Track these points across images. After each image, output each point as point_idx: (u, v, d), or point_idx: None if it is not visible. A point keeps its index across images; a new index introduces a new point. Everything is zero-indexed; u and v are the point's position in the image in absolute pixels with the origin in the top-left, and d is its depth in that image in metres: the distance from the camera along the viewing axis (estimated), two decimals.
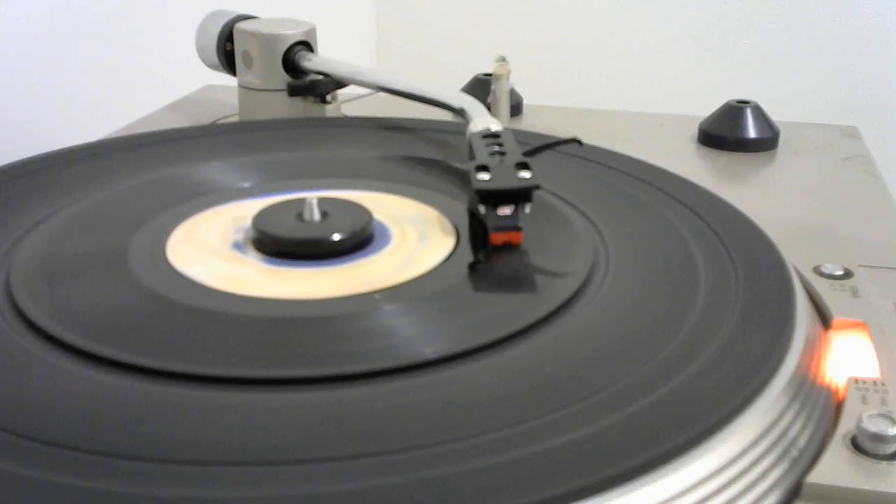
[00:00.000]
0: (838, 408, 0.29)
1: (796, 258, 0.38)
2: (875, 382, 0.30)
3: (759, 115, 0.59)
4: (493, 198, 0.36)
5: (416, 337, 0.31)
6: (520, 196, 0.36)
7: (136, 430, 0.25)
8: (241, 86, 0.60)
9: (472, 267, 0.36)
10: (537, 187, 0.36)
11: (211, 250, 0.37)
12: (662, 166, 0.46)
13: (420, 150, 0.49)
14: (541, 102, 0.67)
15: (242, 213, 0.40)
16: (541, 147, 0.42)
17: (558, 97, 0.73)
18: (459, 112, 0.49)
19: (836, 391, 0.31)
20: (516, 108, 0.64)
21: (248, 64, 0.58)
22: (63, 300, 0.33)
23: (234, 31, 0.59)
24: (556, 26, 1.23)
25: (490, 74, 0.60)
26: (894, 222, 0.47)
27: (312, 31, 0.59)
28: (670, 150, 0.59)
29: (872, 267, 0.40)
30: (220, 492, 0.23)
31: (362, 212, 0.38)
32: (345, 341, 0.30)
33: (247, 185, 0.45)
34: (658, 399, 0.27)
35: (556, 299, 0.32)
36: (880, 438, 0.26)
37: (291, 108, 0.58)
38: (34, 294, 0.33)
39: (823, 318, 0.35)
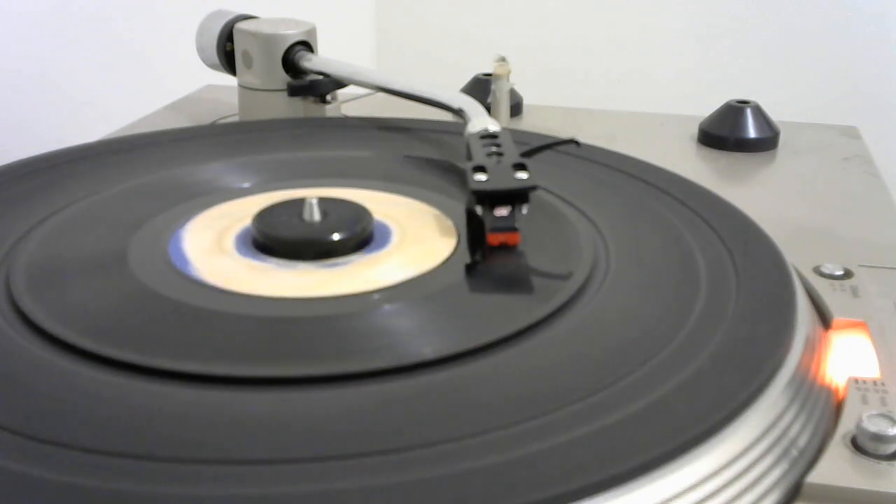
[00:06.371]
0: (838, 408, 0.30)
1: (796, 258, 0.38)
2: (875, 382, 0.30)
3: (759, 115, 0.59)
4: (490, 198, 0.36)
5: (416, 337, 0.31)
6: (516, 197, 0.36)
7: (135, 429, 0.25)
8: (241, 86, 0.60)
9: (471, 267, 0.36)
10: (534, 188, 0.36)
11: (211, 250, 0.37)
12: (662, 166, 0.47)
13: (419, 150, 0.49)
14: (541, 102, 0.67)
15: (242, 212, 0.40)
16: (538, 148, 0.42)
17: (558, 97, 0.73)
18: (458, 112, 0.49)
19: (836, 391, 0.31)
20: (516, 108, 0.64)
21: (248, 64, 0.58)
22: (63, 300, 0.33)
23: (234, 30, 0.59)
24: (556, 26, 1.23)
25: (490, 74, 0.60)
26: (894, 222, 0.47)
27: (312, 31, 0.59)
28: (670, 150, 0.59)
29: (872, 267, 0.40)
30: (221, 491, 0.23)
31: (362, 212, 0.38)
32: (345, 341, 0.30)
33: (247, 185, 0.45)
34: (658, 399, 0.27)
35: (555, 299, 0.32)
36: (880, 438, 0.26)
37: (291, 108, 0.58)
38: (34, 294, 0.33)
39: (823, 318, 0.35)
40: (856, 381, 0.30)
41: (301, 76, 0.58)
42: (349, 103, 0.64)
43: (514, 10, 1.23)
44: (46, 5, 0.68)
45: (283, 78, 0.57)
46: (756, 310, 0.32)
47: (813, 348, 0.31)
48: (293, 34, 0.57)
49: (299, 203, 0.38)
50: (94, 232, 0.39)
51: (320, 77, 0.57)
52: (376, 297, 0.33)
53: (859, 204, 0.50)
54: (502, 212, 0.36)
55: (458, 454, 0.24)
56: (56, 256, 0.36)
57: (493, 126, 0.44)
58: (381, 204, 0.41)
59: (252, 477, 0.23)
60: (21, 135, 0.66)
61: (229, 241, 0.37)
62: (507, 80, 0.58)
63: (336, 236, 0.36)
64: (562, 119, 0.65)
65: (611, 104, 0.70)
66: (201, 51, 0.61)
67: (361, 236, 0.37)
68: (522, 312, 0.31)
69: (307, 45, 0.58)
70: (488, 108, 0.53)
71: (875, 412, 0.28)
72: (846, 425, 0.28)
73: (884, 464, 0.26)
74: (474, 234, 0.37)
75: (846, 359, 0.32)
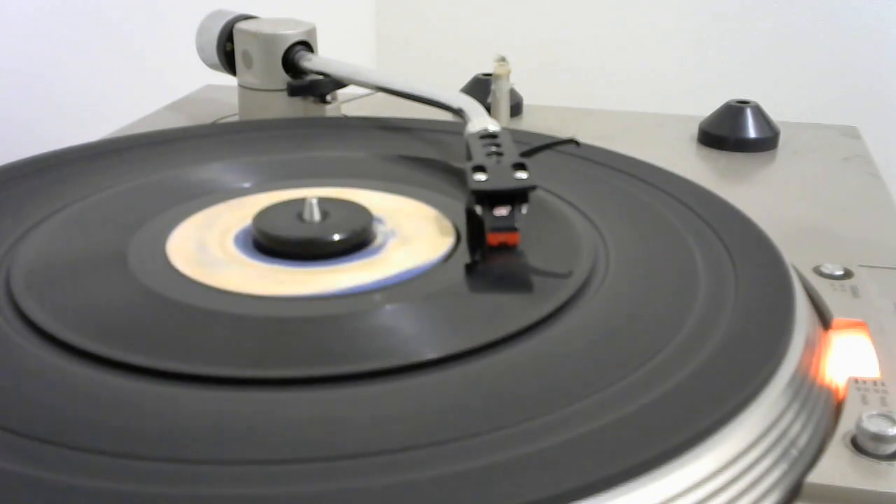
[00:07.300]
0: (838, 408, 0.29)
1: (796, 258, 0.38)
2: (875, 382, 0.30)
3: (759, 115, 0.59)
4: (490, 198, 0.36)
5: (416, 337, 0.31)
6: (516, 197, 0.36)
7: (135, 429, 0.25)
8: (241, 86, 0.60)
9: (471, 267, 0.36)
10: (533, 188, 0.36)
11: (211, 250, 0.37)
12: (662, 166, 0.47)
13: (419, 150, 0.49)
14: (541, 102, 0.67)
15: (242, 212, 0.40)
16: (538, 148, 0.42)
17: (558, 97, 0.73)
18: (458, 112, 0.49)
19: (836, 391, 0.31)
20: (516, 108, 0.64)
21: (248, 64, 0.58)
22: (63, 300, 0.33)
23: (234, 30, 0.59)
24: (556, 26, 1.23)
25: (490, 74, 0.60)
26: (894, 222, 0.47)
27: (312, 31, 0.59)
28: (670, 150, 0.59)
29: (872, 267, 0.40)
30: (220, 490, 0.23)
31: (362, 212, 0.38)
32: (345, 341, 0.30)
33: (247, 185, 0.45)
34: (658, 399, 0.27)
35: (556, 299, 0.32)
36: (880, 438, 0.26)
37: (291, 108, 0.58)
38: (34, 294, 0.33)
39: (823, 318, 0.35)
40: (856, 381, 0.30)
41: (301, 76, 0.58)
42: (349, 103, 0.64)
43: (514, 10, 1.24)
44: (46, 5, 0.68)
45: (283, 78, 0.57)
46: (756, 310, 0.32)
47: (813, 348, 0.31)
48: (293, 34, 0.57)
49: (299, 203, 0.38)
50: (94, 232, 0.39)
51: (320, 77, 0.57)
52: (376, 297, 0.33)
53: (859, 204, 0.50)
54: (502, 211, 0.36)
55: (457, 454, 0.24)
56: (56, 256, 0.36)
57: (492, 126, 0.44)
58: (381, 204, 0.41)
59: (252, 477, 0.23)
60: (21, 135, 0.66)
61: (229, 242, 0.37)
62: (507, 80, 0.58)
63: (336, 236, 0.36)
64: (562, 119, 0.65)
65: (611, 104, 0.70)
66: (201, 51, 0.61)
67: (361, 236, 0.37)
68: (522, 312, 0.31)
69: (307, 45, 0.58)
70: (488, 108, 0.53)
71: (875, 412, 0.28)
72: (846, 425, 0.28)
73: (884, 464, 0.26)
74: (474, 233, 0.37)
75: (846, 359, 0.32)
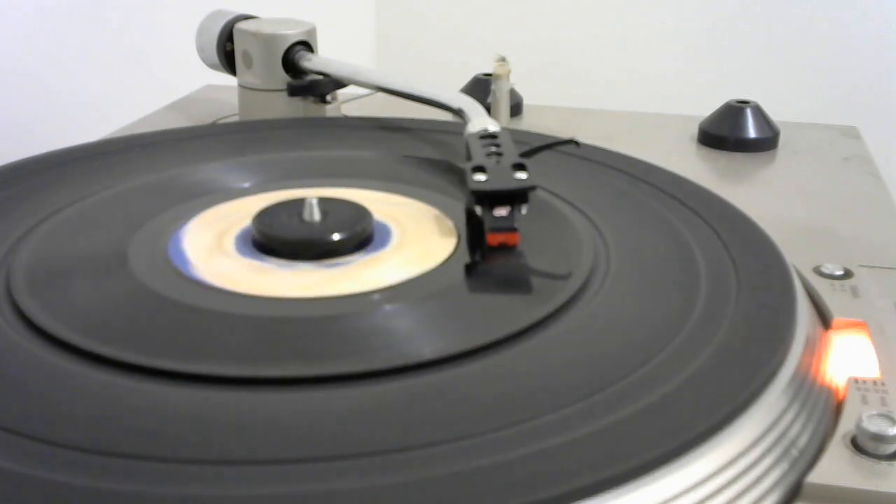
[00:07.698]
0: (838, 408, 0.30)
1: (796, 258, 0.38)
2: (875, 382, 0.30)
3: (759, 115, 0.59)
4: (489, 198, 0.36)
5: (416, 337, 0.31)
6: (515, 197, 0.36)
7: (135, 429, 0.25)
8: (241, 86, 0.60)
9: (471, 267, 0.36)
10: (533, 188, 0.36)
11: (211, 250, 0.37)
12: (662, 166, 0.46)
13: (420, 150, 0.49)
14: (541, 102, 0.67)
15: (242, 212, 0.40)
16: (538, 148, 0.42)
17: (558, 97, 0.73)
18: (458, 112, 0.49)
19: (836, 391, 0.31)
20: (516, 108, 0.64)
21: (248, 64, 0.58)
22: (63, 300, 0.33)
23: (234, 30, 0.59)
24: (556, 26, 1.23)
25: (490, 74, 0.60)
26: (894, 222, 0.47)
27: (312, 31, 0.59)
28: (670, 150, 0.59)
29: (872, 267, 0.40)
30: (220, 491, 0.23)
31: (362, 212, 0.38)
32: (345, 341, 0.30)
33: (247, 185, 0.45)
34: (658, 399, 0.27)
35: (556, 300, 0.32)
36: (880, 438, 0.26)
37: (291, 108, 0.58)
38: (34, 294, 0.33)
39: (823, 318, 0.35)
40: (856, 381, 0.30)
41: (301, 76, 0.58)
42: (349, 103, 0.64)
43: (514, 11, 1.23)
44: (46, 5, 0.68)
45: (283, 78, 0.57)
46: (756, 309, 0.32)
47: (813, 348, 0.31)
48: (293, 34, 0.57)
49: (299, 203, 0.38)
50: (94, 232, 0.39)
51: (320, 77, 0.57)
52: (376, 297, 0.33)
53: (859, 204, 0.50)
54: (501, 212, 0.36)
55: (457, 454, 0.24)
56: (56, 256, 0.36)
57: (492, 126, 0.44)
58: (381, 204, 0.41)
59: (252, 477, 0.23)
60: (21, 135, 0.66)
61: (229, 242, 0.37)
62: (507, 80, 0.58)
63: (336, 236, 0.36)
64: (561, 119, 0.65)
65: (611, 104, 0.70)
66: (201, 51, 0.61)
67: (361, 236, 0.37)
68: (522, 312, 0.31)
69: (307, 45, 0.58)
70: (488, 108, 0.53)
71: (875, 412, 0.28)
72: (846, 425, 0.28)
73: (884, 464, 0.26)
74: (474, 234, 0.37)
75: (846, 359, 0.32)
